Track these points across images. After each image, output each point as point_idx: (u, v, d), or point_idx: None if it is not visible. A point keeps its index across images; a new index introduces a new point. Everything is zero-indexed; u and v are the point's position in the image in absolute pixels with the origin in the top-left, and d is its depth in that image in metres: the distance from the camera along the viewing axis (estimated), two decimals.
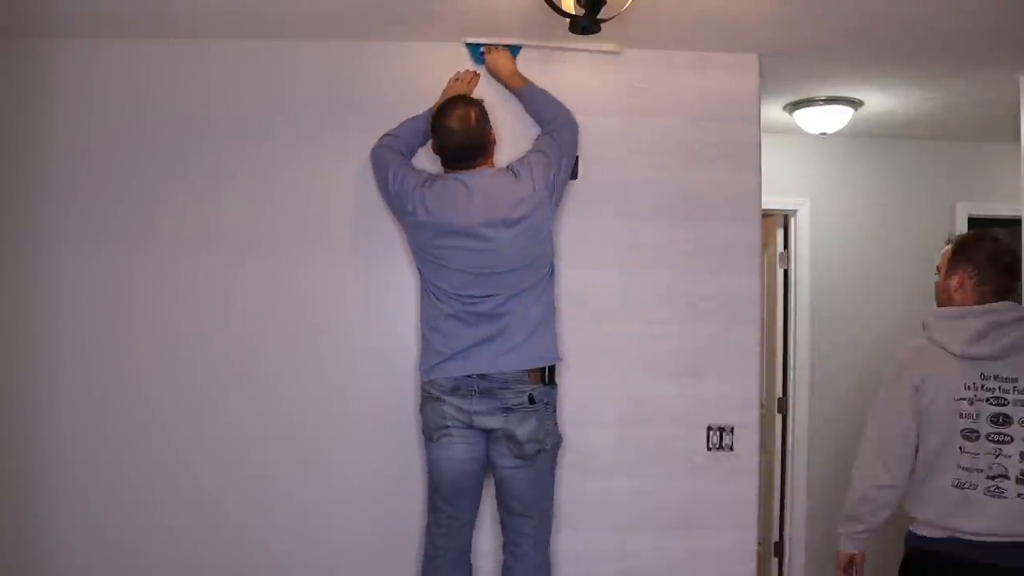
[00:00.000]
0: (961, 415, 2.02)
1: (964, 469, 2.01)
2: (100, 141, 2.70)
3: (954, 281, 2.15)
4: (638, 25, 2.48)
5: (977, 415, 2.01)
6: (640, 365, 2.70)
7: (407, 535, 2.60)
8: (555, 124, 2.54)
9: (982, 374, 2.03)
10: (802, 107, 3.47)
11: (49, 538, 2.65)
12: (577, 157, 2.64)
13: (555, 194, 2.45)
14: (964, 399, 2.02)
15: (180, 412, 2.66)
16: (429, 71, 2.68)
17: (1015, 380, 2.02)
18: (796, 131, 3.69)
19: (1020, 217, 3.14)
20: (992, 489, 1.98)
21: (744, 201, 2.76)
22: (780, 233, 4.18)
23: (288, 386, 2.68)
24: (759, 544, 2.90)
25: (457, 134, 2.38)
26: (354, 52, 2.71)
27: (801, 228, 4.08)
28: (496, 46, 2.66)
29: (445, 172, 2.46)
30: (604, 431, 2.67)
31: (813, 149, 4.05)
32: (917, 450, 2.06)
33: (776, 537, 4.14)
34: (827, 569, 3.96)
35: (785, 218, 4.16)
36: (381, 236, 2.68)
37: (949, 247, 2.21)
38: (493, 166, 2.47)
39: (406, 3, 2.40)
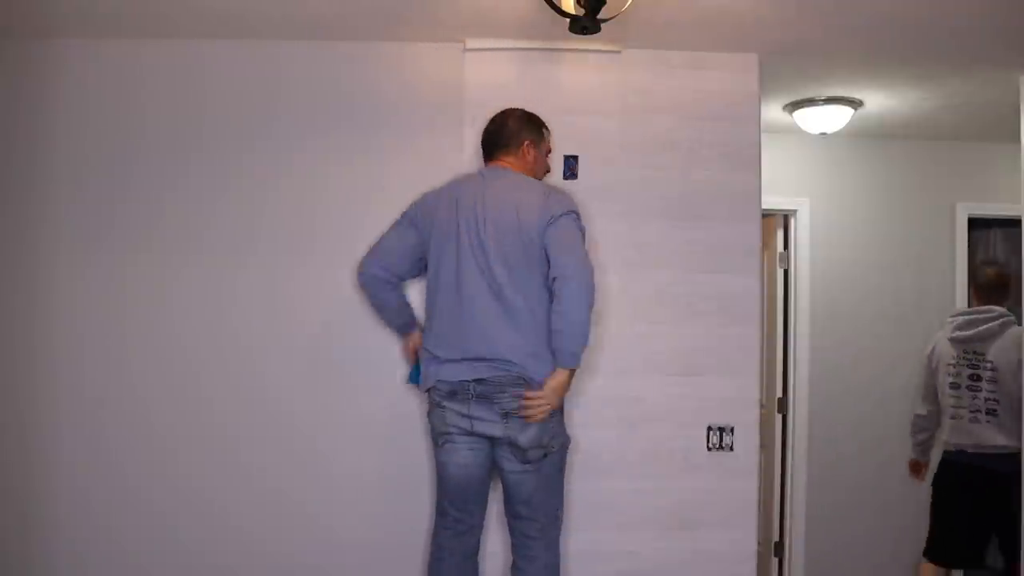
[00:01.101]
0: (949, 375, 3.28)
1: (953, 407, 3.25)
2: (99, 141, 2.70)
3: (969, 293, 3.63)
4: (638, 25, 2.49)
5: (959, 374, 3.26)
6: (640, 365, 2.70)
7: (412, 537, 2.61)
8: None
9: (963, 350, 3.26)
10: (802, 107, 3.47)
11: (49, 537, 2.65)
12: (576, 157, 2.63)
13: (539, 245, 2.28)
14: (951, 364, 3.29)
15: (180, 414, 2.67)
16: (429, 72, 2.68)
17: (983, 354, 3.22)
18: (796, 131, 3.69)
19: (1020, 217, 3.14)
20: (972, 418, 3.19)
21: (744, 201, 2.76)
22: (780, 233, 4.18)
23: (290, 388, 2.68)
24: (759, 544, 2.90)
25: (495, 121, 2.42)
26: (355, 53, 2.71)
27: (801, 228, 4.08)
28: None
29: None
30: (604, 431, 2.67)
31: (813, 149, 4.05)
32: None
33: (776, 537, 4.14)
34: (827, 569, 3.97)
35: (785, 218, 4.15)
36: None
37: None
38: (523, 171, 2.41)
39: (406, 4, 2.41)
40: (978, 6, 2.35)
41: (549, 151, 2.49)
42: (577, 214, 2.31)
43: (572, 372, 2.29)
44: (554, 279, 2.23)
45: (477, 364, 2.27)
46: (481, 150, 2.45)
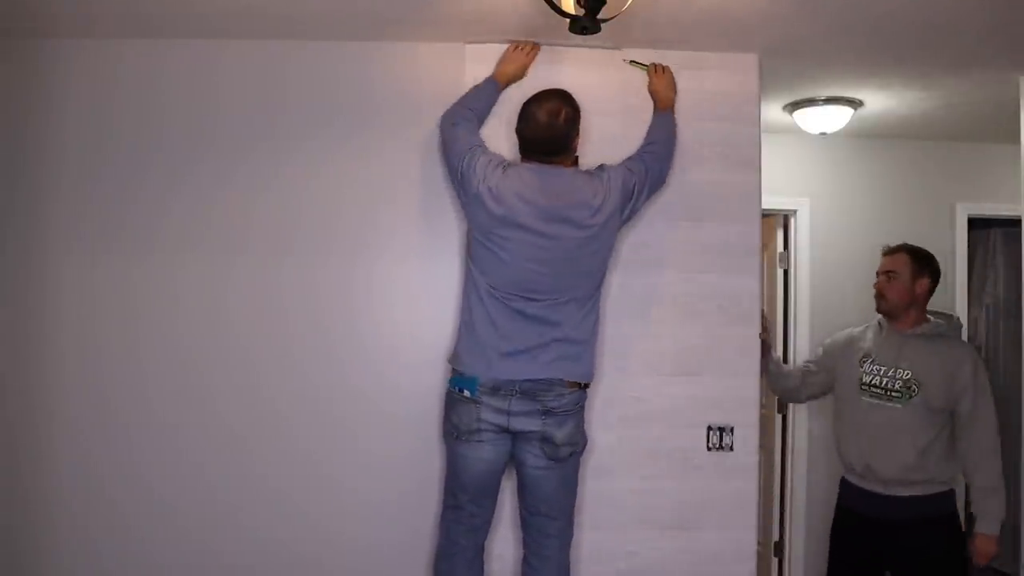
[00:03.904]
0: None
1: None
2: (103, 142, 2.69)
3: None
4: (638, 25, 2.49)
5: None
6: (640, 365, 2.70)
7: (419, 532, 2.61)
8: (653, 148, 2.54)
9: None
10: (802, 107, 3.47)
11: (59, 534, 2.65)
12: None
13: (627, 211, 2.43)
14: None
15: (190, 411, 2.67)
16: (431, 71, 2.69)
17: None
18: (796, 131, 3.69)
19: (1020, 217, 3.14)
20: None
21: (744, 201, 2.76)
22: (780, 233, 4.18)
23: (292, 388, 2.68)
24: (759, 544, 2.90)
25: (542, 127, 2.34)
26: (355, 53, 2.71)
27: (801, 228, 4.08)
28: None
29: (522, 159, 2.43)
30: (604, 431, 2.67)
31: (813, 149, 4.05)
32: None
33: (776, 537, 4.14)
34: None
35: (785, 218, 4.16)
36: (388, 234, 2.70)
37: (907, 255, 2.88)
38: (573, 166, 2.45)
39: (408, 4, 2.40)
40: (978, 6, 2.35)
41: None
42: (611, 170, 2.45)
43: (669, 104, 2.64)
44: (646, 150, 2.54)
45: (530, 363, 2.28)
46: (526, 145, 2.40)
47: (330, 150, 2.71)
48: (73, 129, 2.70)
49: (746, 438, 2.71)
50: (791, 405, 4.06)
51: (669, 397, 2.70)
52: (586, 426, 2.60)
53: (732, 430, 2.70)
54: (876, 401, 2.71)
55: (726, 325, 2.72)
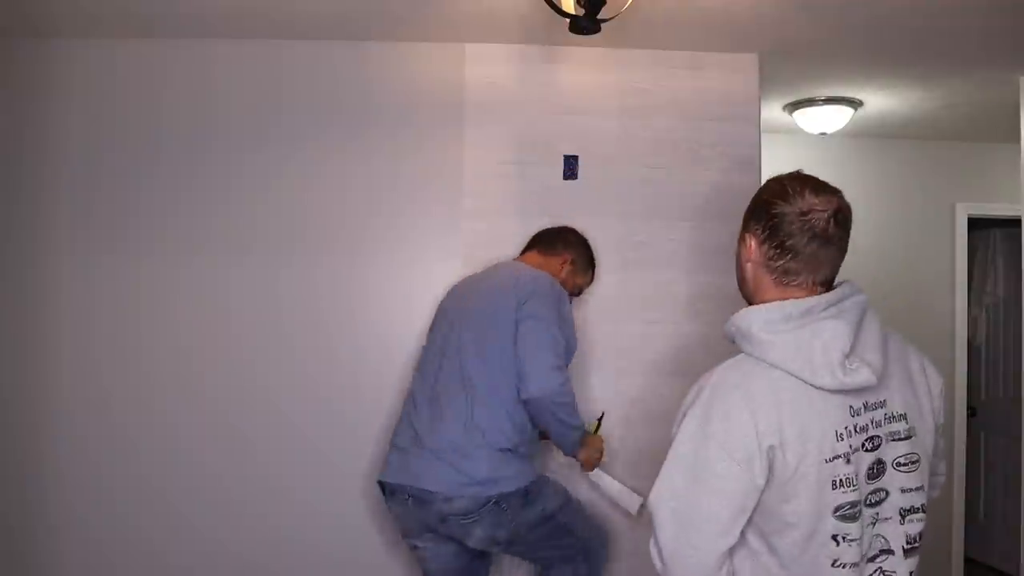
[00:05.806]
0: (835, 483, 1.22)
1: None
2: (103, 142, 2.70)
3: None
4: (638, 25, 2.49)
5: (856, 475, 1.24)
6: (640, 365, 2.70)
7: None
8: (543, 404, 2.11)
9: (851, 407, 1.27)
10: (802, 107, 3.47)
11: (57, 536, 2.65)
12: (576, 157, 2.64)
13: (520, 312, 2.13)
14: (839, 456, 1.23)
15: (193, 412, 2.67)
16: (429, 72, 2.69)
17: (883, 402, 1.32)
18: (796, 131, 3.69)
19: (1020, 217, 3.14)
20: None
21: (744, 201, 2.72)
22: None
23: (292, 386, 2.68)
24: None
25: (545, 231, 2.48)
26: (355, 53, 2.71)
27: None
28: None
29: None
30: (603, 431, 2.67)
31: (813, 149, 4.05)
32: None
33: None
34: None
35: None
36: (388, 235, 2.70)
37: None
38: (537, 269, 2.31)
39: (407, 4, 2.41)
40: (978, 6, 2.35)
41: (581, 290, 2.50)
42: (554, 297, 2.17)
43: (582, 444, 2.28)
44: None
45: (413, 465, 2.08)
46: None
47: (330, 150, 2.71)
48: (73, 129, 2.70)
49: None
50: None
51: (669, 397, 2.70)
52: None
53: None
54: None
55: None
